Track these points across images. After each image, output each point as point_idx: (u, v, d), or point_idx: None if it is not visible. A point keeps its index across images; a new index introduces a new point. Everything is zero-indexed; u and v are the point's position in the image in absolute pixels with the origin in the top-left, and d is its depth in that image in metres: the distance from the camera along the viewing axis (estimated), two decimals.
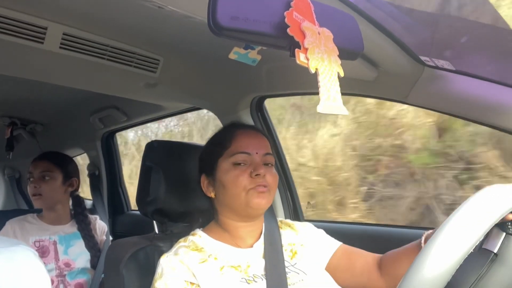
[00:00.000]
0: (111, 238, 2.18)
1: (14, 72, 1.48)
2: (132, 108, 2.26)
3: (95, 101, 2.26)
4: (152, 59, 1.58)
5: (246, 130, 1.18)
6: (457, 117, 1.22)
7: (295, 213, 1.89)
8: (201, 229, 1.18)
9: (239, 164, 1.11)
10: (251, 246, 1.15)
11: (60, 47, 1.36)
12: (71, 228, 2.00)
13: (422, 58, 1.19)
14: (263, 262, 1.11)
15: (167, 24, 1.28)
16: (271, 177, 1.12)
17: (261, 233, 1.18)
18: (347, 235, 1.37)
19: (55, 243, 1.92)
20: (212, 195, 1.16)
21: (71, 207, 2.07)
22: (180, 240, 1.14)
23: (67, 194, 2.02)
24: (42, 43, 1.32)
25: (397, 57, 1.20)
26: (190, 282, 1.03)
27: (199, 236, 1.15)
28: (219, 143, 1.16)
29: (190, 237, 1.14)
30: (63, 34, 1.34)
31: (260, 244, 1.16)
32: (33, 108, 2.41)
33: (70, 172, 2.02)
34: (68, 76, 1.57)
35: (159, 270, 1.06)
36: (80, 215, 2.04)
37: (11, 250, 0.76)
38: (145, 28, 1.35)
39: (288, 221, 1.30)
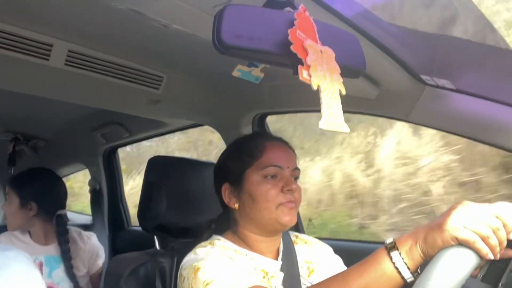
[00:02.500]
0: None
1: (19, 88, 1.49)
2: (135, 124, 2.27)
3: (97, 117, 2.27)
4: (156, 76, 1.59)
5: (276, 141, 1.15)
6: (458, 136, 1.23)
7: (296, 230, 1.88)
8: (220, 235, 1.14)
9: (271, 177, 1.08)
10: (276, 259, 1.12)
11: (65, 64, 1.38)
12: (57, 249, 1.89)
13: (423, 77, 1.20)
14: (281, 275, 1.09)
15: (171, 42, 1.29)
16: (299, 193, 1.10)
17: (278, 248, 1.16)
18: (353, 252, 1.36)
19: (41, 265, 1.83)
20: (235, 206, 1.11)
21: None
22: (204, 243, 1.09)
23: (35, 218, 1.88)
24: (48, 59, 1.34)
25: (398, 76, 1.21)
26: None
27: (223, 241, 1.10)
28: (248, 153, 1.11)
29: (215, 241, 1.09)
30: (68, 51, 1.36)
31: (280, 258, 1.13)
32: (36, 124, 2.42)
33: (26, 195, 1.86)
34: (72, 93, 1.58)
35: (199, 256, 1.00)
36: (60, 236, 1.89)
37: (4, 254, 0.75)
38: (149, 46, 1.37)
39: (305, 237, 1.27)
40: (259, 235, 1.12)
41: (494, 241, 0.69)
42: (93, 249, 2.01)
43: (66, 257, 1.87)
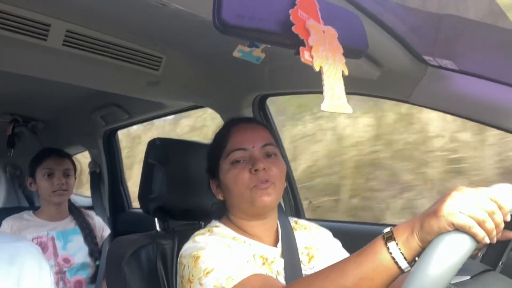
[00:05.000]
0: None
1: (17, 69, 1.48)
2: (134, 105, 2.26)
3: (97, 98, 2.26)
4: (155, 57, 1.58)
5: (241, 125, 1.12)
6: (459, 117, 1.22)
7: (296, 212, 1.89)
8: (219, 220, 1.15)
9: (238, 161, 1.06)
10: (275, 246, 1.12)
11: (63, 44, 1.36)
12: (69, 224, 2.02)
13: (426, 57, 1.19)
14: (282, 261, 1.10)
15: (170, 22, 1.28)
16: (276, 168, 1.06)
17: (276, 232, 1.16)
18: (351, 234, 1.37)
19: (53, 239, 1.94)
20: (221, 198, 1.13)
21: None
22: (202, 231, 1.08)
23: None
24: (45, 40, 1.32)
25: (400, 57, 1.19)
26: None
27: (222, 228, 1.11)
28: (218, 144, 1.12)
29: (214, 229, 1.09)
30: (66, 31, 1.34)
31: (279, 246, 1.13)
32: (35, 105, 2.41)
33: (75, 169, 2.11)
34: (70, 73, 1.56)
35: (199, 244, 1.00)
36: (76, 210, 2.08)
37: (15, 246, 0.76)
38: (148, 25, 1.35)
39: (305, 222, 1.26)
40: (249, 220, 1.12)
41: (490, 225, 0.69)
42: (100, 222, 2.15)
43: (86, 222, 2.05)
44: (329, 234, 1.25)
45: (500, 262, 0.87)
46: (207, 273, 0.93)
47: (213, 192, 1.15)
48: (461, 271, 0.70)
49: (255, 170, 1.04)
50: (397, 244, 0.74)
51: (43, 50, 1.35)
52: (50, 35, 1.31)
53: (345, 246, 1.23)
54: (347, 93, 0.77)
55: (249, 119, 1.18)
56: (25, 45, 1.30)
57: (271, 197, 1.05)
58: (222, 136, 1.12)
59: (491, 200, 0.70)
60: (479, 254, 0.90)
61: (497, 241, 0.85)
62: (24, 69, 1.49)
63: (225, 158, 1.08)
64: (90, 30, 1.37)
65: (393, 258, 0.74)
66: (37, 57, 1.40)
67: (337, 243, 1.24)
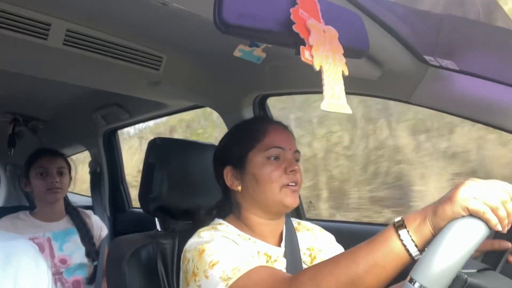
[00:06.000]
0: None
1: (17, 68, 1.48)
2: (135, 105, 2.26)
3: (97, 98, 2.26)
4: (156, 57, 1.58)
5: (277, 125, 1.17)
6: (460, 117, 1.22)
7: (297, 212, 1.88)
8: (223, 219, 1.15)
9: (273, 158, 1.10)
10: (278, 246, 1.14)
11: (64, 44, 1.36)
12: (65, 224, 2.01)
13: (426, 57, 1.18)
14: (284, 261, 1.11)
15: (171, 22, 1.28)
16: (300, 174, 1.12)
17: (281, 233, 1.17)
18: (352, 235, 1.36)
19: (49, 240, 1.92)
20: (238, 188, 1.13)
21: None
22: (206, 228, 1.09)
23: None
24: (46, 39, 1.32)
25: (401, 57, 1.19)
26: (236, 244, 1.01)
27: (226, 226, 1.11)
28: (251, 136, 1.13)
29: (218, 226, 1.10)
30: (67, 30, 1.34)
31: (283, 245, 1.14)
32: (35, 105, 2.41)
33: (70, 169, 2.10)
34: (71, 73, 1.57)
35: (204, 238, 1.01)
36: (73, 210, 2.06)
37: (11, 244, 0.75)
38: (149, 25, 1.35)
39: (307, 224, 1.28)
40: (262, 218, 1.13)
41: (503, 213, 0.71)
42: (97, 222, 2.14)
43: (84, 222, 2.04)
44: (332, 238, 1.26)
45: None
46: (213, 265, 0.93)
47: (225, 180, 1.14)
48: (466, 266, 0.70)
49: (291, 171, 1.09)
50: (408, 231, 0.75)
51: (43, 50, 1.35)
52: (50, 34, 1.31)
53: (347, 247, 1.23)
54: (347, 93, 0.77)
55: (281, 123, 1.20)
56: (26, 45, 1.30)
57: (296, 199, 1.10)
58: (257, 130, 1.14)
59: (503, 190, 0.72)
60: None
61: (493, 251, 0.86)
62: (24, 69, 1.49)
63: (260, 151, 1.10)
64: (90, 29, 1.37)
65: (404, 245, 0.74)
66: (38, 56, 1.41)
67: (340, 248, 1.24)
